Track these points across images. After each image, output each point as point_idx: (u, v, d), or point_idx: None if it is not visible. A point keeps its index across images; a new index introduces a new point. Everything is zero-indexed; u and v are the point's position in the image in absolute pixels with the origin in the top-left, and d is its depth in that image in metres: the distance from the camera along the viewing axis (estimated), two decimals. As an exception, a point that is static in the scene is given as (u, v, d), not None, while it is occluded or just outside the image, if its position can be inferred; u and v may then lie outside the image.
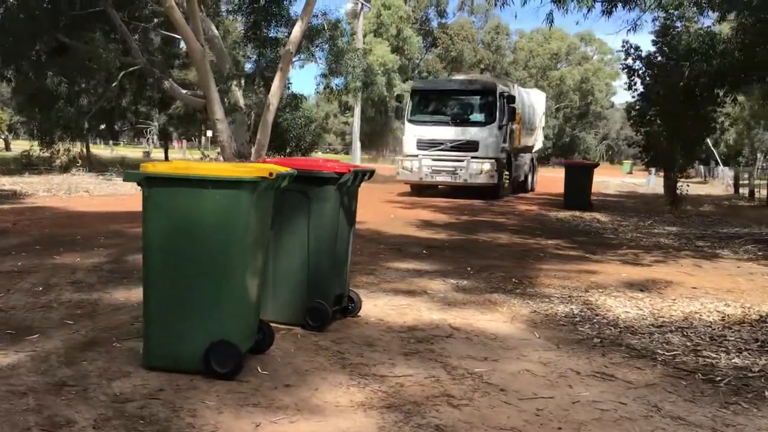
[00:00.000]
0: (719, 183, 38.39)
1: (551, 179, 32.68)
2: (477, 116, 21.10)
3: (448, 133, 20.80)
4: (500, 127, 20.86)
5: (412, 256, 9.00)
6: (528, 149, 26.27)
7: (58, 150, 24.56)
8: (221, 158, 30.62)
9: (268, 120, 26.58)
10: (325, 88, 27.94)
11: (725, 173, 39.01)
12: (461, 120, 21.13)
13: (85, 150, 27.64)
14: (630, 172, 64.83)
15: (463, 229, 12.52)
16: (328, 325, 5.31)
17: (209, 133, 47.58)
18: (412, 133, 21.30)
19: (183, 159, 42.07)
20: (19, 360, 4.36)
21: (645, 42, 23.65)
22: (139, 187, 4.21)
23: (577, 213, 16.84)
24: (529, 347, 5.08)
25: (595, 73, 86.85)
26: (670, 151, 20.64)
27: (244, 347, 4.28)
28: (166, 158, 35.66)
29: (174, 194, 4.11)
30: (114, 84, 24.73)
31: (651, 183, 40.00)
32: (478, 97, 21.43)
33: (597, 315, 6.09)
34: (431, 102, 22.05)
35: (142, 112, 36.12)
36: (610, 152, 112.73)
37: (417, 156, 20.87)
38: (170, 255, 4.16)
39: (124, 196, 17.04)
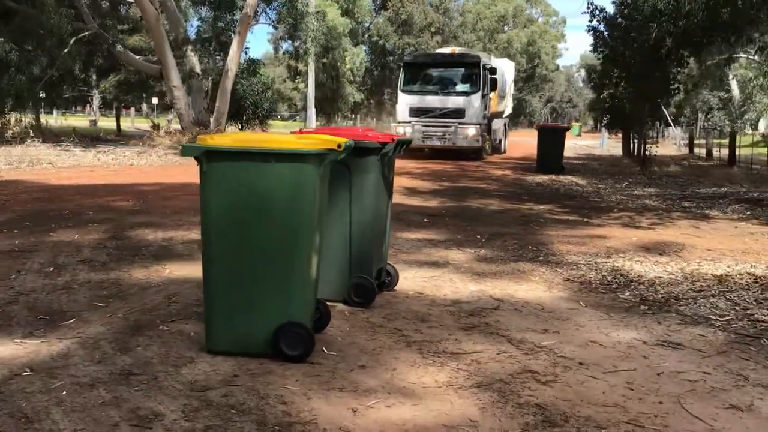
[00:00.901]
0: (670, 143, 39.03)
1: (509, 142, 32.76)
2: (463, 86, 23.25)
3: (438, 101, 22.97)
4: (483, 96, 23.02)
5: (416, 225, 8.85)
6: (500, 114, 27.76)
7: (10, 120, 23.57)
8: (172, 126, 29.97)
9: (227, 86, 26.02)
10: (284, 53, 27.40)
11: (676, 134, 39.66)
12: (449, 90, 23.36)
13: (34, 120, 26.63)
14: (579, 135, 65.60)
15: (451, 196, 12.41)
16: (373, 301, 5.15)
17: (155, 101, 46.55)
18: (404, 102, 23.29)
19: (132, 127, 41.03)
20: (68, 348, 4.10)
21: (606, 5, 23.69)
22: (196, 162, 3.95)
23: (553, 177, 16.90)
24: (581, 317, 5.00)
25: (542, 35, 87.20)
26: (637, 112, 20.85)
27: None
28: (118, 128, 34.62)
29: (236, 169, 3.88)
30: (66, 50, 23.83)
31: (604, 145, 40.54)
32: (464, 69, 23.42)
33: (631, 281, 6.04)
34: (422, 74, 23.97)
35: (89, 79, 34.97)
36: (554, 115, 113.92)
37: (410, 122, 22.73)
38: (232, 233, 3.94)
39: (89, 167, 16.48)
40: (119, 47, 25.10)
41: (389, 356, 4.10)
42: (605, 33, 21.43)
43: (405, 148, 5.55)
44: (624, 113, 23.03)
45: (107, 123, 45.80)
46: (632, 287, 5.85)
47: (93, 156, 18.86)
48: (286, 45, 61.98)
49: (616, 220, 9.85)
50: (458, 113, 22.52)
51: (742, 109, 54.67)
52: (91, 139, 25.26)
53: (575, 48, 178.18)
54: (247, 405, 3.38)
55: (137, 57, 27.22)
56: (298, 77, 60.55)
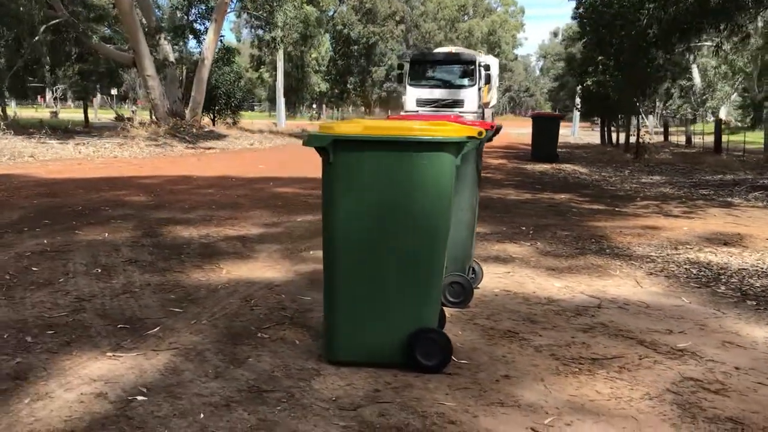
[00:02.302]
0: (642, 131, 39.22)
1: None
2: (461, 80, 25.95)
3: (441, 93, 25.58)
4: (479, 89, 25.73)
5: (453, 217, 8.51)
6: (488, 105, 29.28)
7: (-23, 112, 22.52)
8: (137, 117, 29.04)
9: (203, 75, 25.41)
10: (259, 41, 26.77)
11: (648, 122, 39.89)
12: (450, 83, 26.00)
13: (2, 111, 25.59)
14: (542, 123, 65.79)
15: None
16: (470, 301, 4.80)
17: (113, 92, 45.44)
18: (412, 94, 25.92)
19: (95, 119, 39.89)
20: (173, 361, 3.68)
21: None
22: (319, 154, 3.54)
23: (553, 165, 16.70)
24: (694, 315, 4.70)
25: (502, 25, 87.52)
26: (625, 100, 20.80)
27: (441, 334, 3.72)
28: (86, 119, 33.52)
29: (369, 160, 3.49)
30: (36, 38, 22.88)
31: (576, 133, 40.67)
32: (463, 65, 26.26)
33: (718, 274, 5.78)
34: (427, 69, 26.75)
35: (55, 69, 33.68)
36: (512, 104, 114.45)
37: (417, 111, 24.97)
38: (362, 232, 3.55)
39: (74, 160, 15.80)
40: (94, 37, 24.19)
41: (526, 364, 3.75)
42: (592, 20, 21.28)
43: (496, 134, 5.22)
44: (607, 101, 23.01)
45: (67, 114, 44.51)
46: (723, 281, 5.59)
47: (73, 148, 18.09)
48: (246, 33, 61.03)
49: (647, 209, 9.63)
50: (458, 103, 25.07)
51: (704, 97, 55.35)
52: (63, 131, 24.27)
53: (533, 38, 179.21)
54: (414, 426, 3.00)
55: (109, 46, 26.36)
56: (261, 67, 59.69)
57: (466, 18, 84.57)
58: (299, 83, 57.91)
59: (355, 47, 63.35)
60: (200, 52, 26.51)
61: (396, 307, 3.59)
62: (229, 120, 32.31)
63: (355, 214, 3.54)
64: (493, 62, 33.26)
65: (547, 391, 3.41)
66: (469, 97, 25.47)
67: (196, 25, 26.59)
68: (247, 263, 5.98)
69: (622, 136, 27.06)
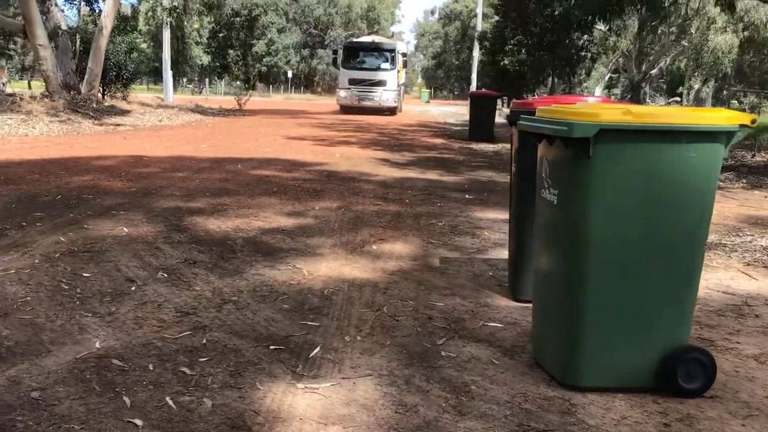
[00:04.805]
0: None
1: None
2: (385, 65, 32.70)
3: (367, 74, 31.93)
4: (398, 71, 32.74)
5: (478, 204, 8.08)
6: (398, 83, 34.57)
7: None
8: (7, 89, 26.84)
9: (101, 45, 23.84)
10: (162, 11, 25.15)
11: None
12: (376, 66, 32.52)
13: None
14: (428, 101, 65.94)
15: (435, 167, 11.66)
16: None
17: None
18: (344, 75, 32.63)
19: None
20: (389, 394, 3.08)
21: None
22: (566, 145, 3.01)
23: (499, 144, 16.51)
24: None
25: (381, 1, 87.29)
26: (540, 79, 20.97)
27: (687, 350, 3.29)
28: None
29: (628, 153, 2.99)
30: None
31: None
32: (386, 52, 33.15)
33: (817, 264, 5.64)
34: (357, 55, 33.41)
35: None
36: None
37: (350, 89, 32.03)
38: (619, 241, 3.05)
39: (-16, 138, 14.15)
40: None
41: (770, 378, 3.39)
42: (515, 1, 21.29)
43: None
44: (522, 80, 23.18)
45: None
46: (830, 271, 5.44)
47: (-24, 123, 16.28)
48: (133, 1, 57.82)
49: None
50: (382, 83, 31.77)
51: (581, 77, 57.35)
52: (-56, 104, 21.93)
53: (409, 15, 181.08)
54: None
55: (-7, 12, 24.07)
56: (138, 37, 56.72)
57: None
58: (179, 55, 55.44)
59: (238, 19, 61.48)
60: (94, 20, 24.74)
61: (652, 324, 3.13)
62: (119, 94, 30.38)
63: (613, 218, 3.03)
64: (402, 46, 38.93)
65: (836, 414, 3.05)
66: (390, 78, 31.91)
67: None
68: (320, 261, 5.33)
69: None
